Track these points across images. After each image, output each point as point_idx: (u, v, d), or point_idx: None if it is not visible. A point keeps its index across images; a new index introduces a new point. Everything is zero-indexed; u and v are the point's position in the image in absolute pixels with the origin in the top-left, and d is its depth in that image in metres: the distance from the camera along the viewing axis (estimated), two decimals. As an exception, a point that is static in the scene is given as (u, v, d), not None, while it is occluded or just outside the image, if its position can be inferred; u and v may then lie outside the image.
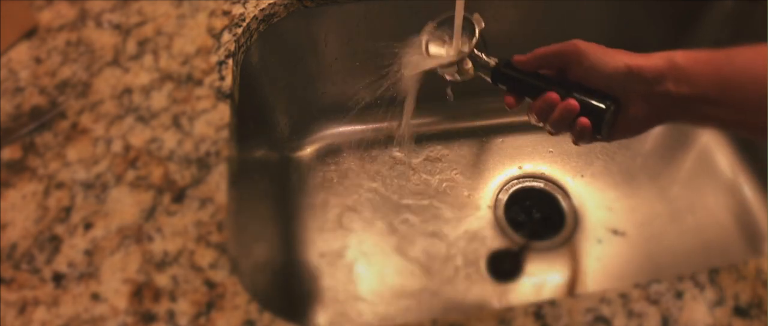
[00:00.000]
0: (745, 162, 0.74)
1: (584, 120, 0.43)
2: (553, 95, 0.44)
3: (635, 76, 0.41)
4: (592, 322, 0.42)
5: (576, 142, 0.46)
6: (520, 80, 0.46)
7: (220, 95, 0.55)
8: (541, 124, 0.46)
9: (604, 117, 0.42)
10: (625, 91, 0.42)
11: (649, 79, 0.41)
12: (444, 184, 0.74)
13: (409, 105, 0.51)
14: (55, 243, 0.47)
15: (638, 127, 0.44)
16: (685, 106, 0.41)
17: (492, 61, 0.48)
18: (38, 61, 0.59)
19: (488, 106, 0.78)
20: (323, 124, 0.79)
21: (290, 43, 0.68)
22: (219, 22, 0.61)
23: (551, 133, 0.46)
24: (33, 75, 0.58)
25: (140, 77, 0.57)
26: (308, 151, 0.78)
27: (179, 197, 0.49)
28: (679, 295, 0.43)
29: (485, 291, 0.66)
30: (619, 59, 0.42)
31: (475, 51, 0.48)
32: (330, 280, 0.67)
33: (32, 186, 0.50)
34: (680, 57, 0.40)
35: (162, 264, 0.45)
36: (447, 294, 0.66)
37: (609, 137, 0.44)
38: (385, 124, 0.80)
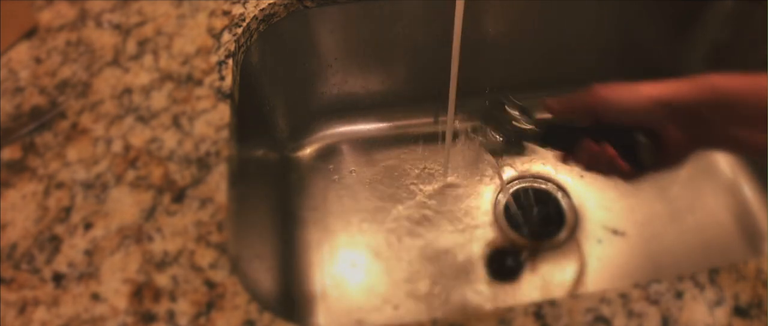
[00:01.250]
0: (745, 162, 0.74)
1: (622, 164, 0.44)
2: (588, 143, 0.44)
3: (662, 108, 0.40)
4: (592, 322, 0.42)
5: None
6: (563, 137, 0.48)
7: (220, 95, 0.55)
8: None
9: (639, 156, 0.43)
10: (656, 124, 0.42)
11: (680, 108, 0.40)
12: (444, 184, 0.74)
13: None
14: (55, 243, 0.47)
15: (679, 156, 0.43)
16: (726, 132, 0.40)
17: (531, 127, 0.49)
18: (38, 61, 0.59)
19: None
20: (323, 124, 0.79)
21: (290, 43, 0.68)
22: (219, 22, 0.61)
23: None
24: (33, 75, 0.58)
25: (140, 77, 0.57)
26: (308, 151, 0.78)
27: (179, 197, 0.49)
28: (679, 295, 0.43)
29: (485, 291, 0.66)
30: (642, 94, 0.41)
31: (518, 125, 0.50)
32: (330, 280, 0.67)
33: (32, 186, 0.50)
34: (718, 81, 0.39)
35: (162, 264, 0.45)
36: (447, 294, 0.66)
37: (654, 170, 0.45)
38: (383, 124, 0.80)
